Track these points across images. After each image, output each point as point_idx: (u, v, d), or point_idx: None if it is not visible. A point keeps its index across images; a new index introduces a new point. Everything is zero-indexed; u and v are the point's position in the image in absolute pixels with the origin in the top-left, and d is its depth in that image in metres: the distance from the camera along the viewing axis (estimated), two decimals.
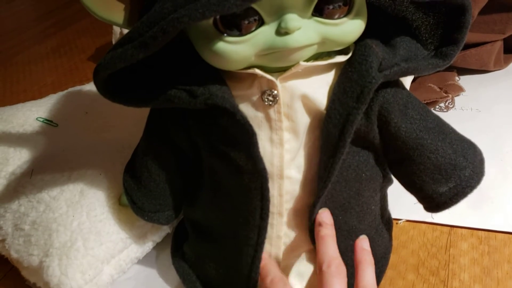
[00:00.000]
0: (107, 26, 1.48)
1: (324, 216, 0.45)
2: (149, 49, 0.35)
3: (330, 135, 0.40)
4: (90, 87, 0.83)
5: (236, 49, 0.37)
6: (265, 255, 0.46)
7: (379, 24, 0.43)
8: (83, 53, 1.33)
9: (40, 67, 1.28)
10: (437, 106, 0.78)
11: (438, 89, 0.78)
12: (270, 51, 0.37)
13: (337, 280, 0.40)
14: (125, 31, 1.00)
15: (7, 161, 0.63)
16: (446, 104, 0.78)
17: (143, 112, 0.49)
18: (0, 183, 0.61)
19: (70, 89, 0.84)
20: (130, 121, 0.71)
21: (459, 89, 0.80)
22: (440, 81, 0.80)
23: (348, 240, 0.47)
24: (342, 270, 0.41)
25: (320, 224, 0.44)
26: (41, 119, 0.72)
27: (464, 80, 0.84)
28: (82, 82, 1.14)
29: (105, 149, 0.62)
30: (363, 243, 0.46)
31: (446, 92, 0.77)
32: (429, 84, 0.79)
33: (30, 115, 0.73)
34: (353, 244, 0.46)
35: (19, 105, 0.77)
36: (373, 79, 0.38)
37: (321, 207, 0.44)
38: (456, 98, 0.79)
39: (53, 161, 0.61)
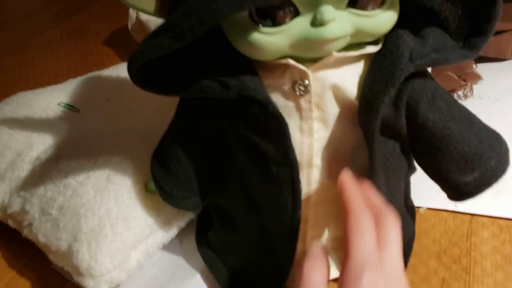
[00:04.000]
0: (120, 10, 1.49)
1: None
2: (186, 39, 0.35)
3: (363, 122, 0.41)
4: (109, 72, 0.83)
5: (271, 40, 0.37)
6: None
7: (408, 14, 0.43)
8: (98, 38, 1.33)
9: (55, 52, 1.28)
10: (455, 94, 0.78)
11: (456, 78, 0.78)
12: (304, 42, 0.37)
13: (393, 223, 0.38)
14: (142, 16, 1.01)
15: (31, 146, 0.64)
16: (465, 92, 0.78)
17: (164, 99, 0.49)
18: (25, 168, 0.62)
19: (89, 74, 0.84)
20: (152, 108, 0.72)
21: (477, 77, 0.80)
22: (458, 69, 0.80)
23: None
24: (395, 213, 0.40)
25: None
26: (63, 104, 0.73)
27: (481, 68, 0.84)
28: (98, 67, 1.14)
29: (129, 136, 0.63)
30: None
31: (464, 81, 0.77)
32: (448, 73, 0.79)
33: (51, 100, 0.74)
34: None
35: (40, 90, 0.78)
36: (405, 67, 0.39)
37: None
38: (474, 87, 0.79)
39: (77, 146, 0.62)
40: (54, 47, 1.32)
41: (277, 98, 0.42)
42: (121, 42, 1.27)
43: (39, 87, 0.82)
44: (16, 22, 1.55)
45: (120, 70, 0.83)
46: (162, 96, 0.46)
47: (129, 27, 1.10)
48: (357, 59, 0.42)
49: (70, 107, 0.73)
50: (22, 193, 0.59)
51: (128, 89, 0.78)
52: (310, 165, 0.44)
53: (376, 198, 0.40)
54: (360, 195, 0.40)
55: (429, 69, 0.76)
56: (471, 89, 0.78)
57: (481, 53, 0.84)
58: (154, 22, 0.99)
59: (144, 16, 1.02)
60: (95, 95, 0.76)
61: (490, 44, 0.84)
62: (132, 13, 1.09)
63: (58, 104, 0.73)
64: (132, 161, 0.57)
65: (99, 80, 0.82)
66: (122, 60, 1.17)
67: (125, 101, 0.74)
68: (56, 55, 1.27)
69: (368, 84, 0.41)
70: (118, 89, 0.78)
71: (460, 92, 0.79)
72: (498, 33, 0.83)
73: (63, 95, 0.76)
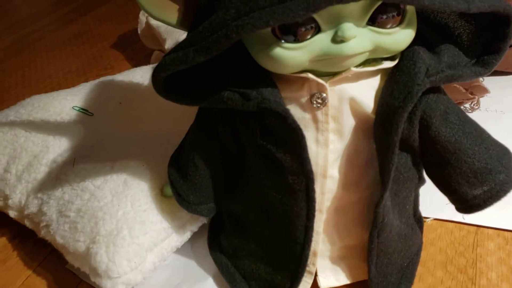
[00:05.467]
0: (128, 13, 1.51)
1: None
2: (210, 53, 0.37)
3: (379, 135, 0.42)
4: (122, 77, 0.85)
5: (293, 55, 0.39)
6: None
7: (423, 31, 0.45)
8: (106, 40, 1.34)
9: (63, 54, 1.30)
10: (462, 107, 0.80)
11: (464, 90, 0.79)
12: (324, 57, 0.39)
13: None
14: (152, 21, 1.02)
15: (47, 148, 0.65)
16: (472, 105, 0.80)
17: (178, 106, 0.51)
18: (42, 170, 0.63)
19: (101, 79, 0.86)
20: (164, 113, 0.73)
21: (484, 91, 0.81)
22: (465, 82, 0.81)
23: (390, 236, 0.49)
24: None
25: None
26: (77, 108, 0.74)
27: (488, 81, 0.86)
28: (106, 70, 1.17)
29: (144, 142, 0.64)
30: None
31: (472, 94, 0.79)
32: (455, 85, 0.80)
33: (66, 104, 0.75)
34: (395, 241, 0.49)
35: (54, 94, 0.79)
36: (422, 82, 0.40)
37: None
38: (480, 100, 0.81)
39: (93, 150, 0.63)
40: (62, 49, 1.33)
41: (294, 110, 0.43)
42: (130, 46, 1.28)
43: (49, 88, 0.83)
44: (24, 23, 1.57)
45: (132, 75, 0.85)
46: (175, 103, 0.47)
47: (139, 31, 1.11)
48: (374, 73, 0.43)
49: (84, 111, 0.74)
50: (39, 195, 0.61)
51: (140, 94, 0.79)
52: (324, 175, 0.46)
53: None
54: None
55: None
56: (478, 102, 0.80)
57: None
58: (164, 28, 1.00)
59: (154, 21, 1.04)
60: (108, 100, 0.78)
61: None
62: (142, 17, 1.10)
63: (73, 107, 0.74)
64: (148, 166, 0.59)
65: (111, 84, 0.83)
66: (131, 63, 1.19)
67: (137, 106, 0.76)
68: (64, 57, 1.28)
69: (385, 98, 0.42)
70: (131, 93, 0.79)
71: (467, 105, 0.80)
72: None
73: (77, 99, 0.77)
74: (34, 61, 1.28)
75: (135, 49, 1.26)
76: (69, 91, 0.80)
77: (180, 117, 0.64)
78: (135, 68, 0.89)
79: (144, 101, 0.76)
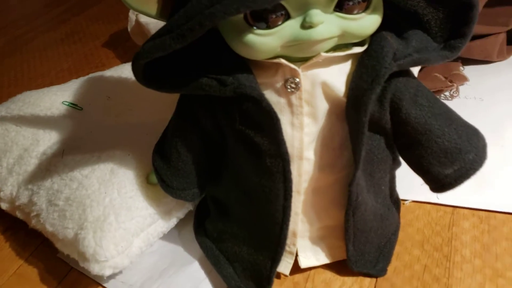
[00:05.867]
0: (119, 12, 1.52)
1: None
2: (186, 40, 0.39)
3: (350, 117, 0.44)
4: (111, 73, 0.87)
5: (265, 41, 0.41)
6: None
7: (392, 17, 0.47)
8: (97, 40, 1.36)
9: (56, 53, 1.31)
10: (442, 95, 0.82)
11: (443, 79, 0.81)
12: (295, 42, 0.41)
13: None
14: (142, 18, 1.04)
15: (37, 142, 0.67)
16: (451, 93, 0.82)
17: (163, 96, 0.53)
18: (32, 163, 0.65)
19: (91, 75, 0.88)
20: (151, 105, 0.75)
21: (463, 79, 0.84)
22: (445, 71, 0.83)
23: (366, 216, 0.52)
24: None
25: None
26: (67, 103, 0.76)
27: (468, 70, 0.88)
28: (98, 68, 1.18)
29: (131, 132, 0.66)
30: None
31: (451, 82, 0.81)
32: (435, 74, 0.82)
33: (56, 99, 0.77)
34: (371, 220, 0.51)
35: (45, 90, 0.81)
36: (389, 65, 0.42)
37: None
38: (460, 87, 0.83)
39: (82, 142, 0.65)
40: (55, 49, 1.34)
41: (270, 95, 0.45)
42: (120, 44, 1.30)
43: (41, 87, 0.84)
44: (18, 24, 1.58)
45: (121, 71, 0.87)
46: (161, 94, 0.49)
47: (129, 29, 1.13)
48: (345, 58, 0.45)
49: (74, 106, 0.76)
50: (29, 186, 0.63)
51: (128, 88, 0.81)
52: (300, 157, 0.48)
53: None
54: None
55: (416, 71, 0.80)
56: (457, 90, 0.82)
57: (468, 55, 0.89)
58: (153, 24, 1.02)
59: (143, 19, 1.05)
60: (97, 94, 0.80)
61: (476, 47, 0.89)
62: (132, 15, 1.12)
63: (62, 102, 0.76)
64: (134, 155, 0.61)
65: (100, 80, 0.85)
66: (121, 61, 1.20)
67: (125, 100, 0.78)
68: (57, 56, 1.30)
69: (355, 82, 0.44)
70: (119, 88, 0.81)
71: (447, 93, 0.82)
72: (484, 36, 0.87)
73: (67, 95, 0.79)
74: (27, 61, 1.29)
75: (126, 47, 1.27)
76: (59, 87, 0.82)
77: (166, 109, 0.65)
78: (123, 64, 0.91)
79: (132, 95, 0.78)
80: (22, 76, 1.22)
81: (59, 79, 1.16)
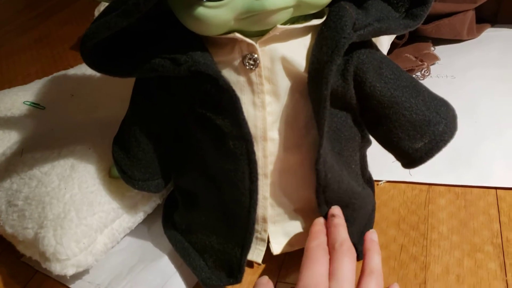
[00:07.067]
0: (88, 15, 1.49)
1: (337, 209, 0.49)
2: (132, 16, 0.37)
3: (312, 92, 0.42)
4: (75, 71, 0.84)
5: (216, 13, 0.38)
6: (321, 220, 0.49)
7: None
8: (66, 43, 1.33)
9: (23, 58, 1.29)
10: (414, 75, 0.81)
11: (414, 59, 0.80)
12: (248, 14, 0.39)
13: (347, 258, 0.43)
14: None
15: None
16: (422, 72, 0.81)
17: (128, 92, 0.51)
18: None
19: (55, 74, 0.86)
20: (115, 101, 0.72)
21: (434, 58, 0.83)
22: (416, 51, 0.82)
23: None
24: (353, 251, 0.44)
25: (333, 215, 0.48)
26: (28, 103, 0.74)
27: (439, 50, 0.87)
28: (65, 70, 1.16)
29: (93, 127, 0.64)
30: (372, 235, 0.48)
31: (421, 61, 0.80)
32: (406, 54, 0.81)
33: (16, 99, 0.74)
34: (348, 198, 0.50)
35: (5, 91, 0.79)
36: (348, 35, 0.40)
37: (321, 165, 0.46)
38: (432, 67, 0.82)
39: (42, 140, 0.63)
40: (22, 54, 1.32)
41: (229, 74, 0.43)
42: None
43: None
44: None
45: (85, 69, 0.85)
46: (126, 88, 0.47)
47: None
48: (304, 32, 0.43)
49: (36, 105, 0.74)
50: None
51: (92, 85, 0.79)
52: (264, 138, 0.46)
53: (340, 235, 0.45)
54: (323, 234, 0.46)
55: (385, 51, 0.79)
56: (428, 69, 0.81)
57: (439, 35, 0.88)
58: None
59: None
60: (60, 93, 0.77)
61: (445, 26, 0.87)
62: (97, 13, 1.10)
63: (24, 102, 0.74)
64: (95, 149, 0.58)
65: (64, 79, 0.83)
66: None
67: (89, 97, 0.75)
68: (24, 61, 1.27)
69: (315, 55, 0.42)
70: (83, 86, 0.79)
71: (419, 73, 0.81)
72: (452, 14, 0.85)
73: (29, 94, 0.77)
74: None
75: None
76: (21, 88, 0.80)
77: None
78: None
79: (96, 92, 0.76)
80: None
81: (26, 83, 1.11)
